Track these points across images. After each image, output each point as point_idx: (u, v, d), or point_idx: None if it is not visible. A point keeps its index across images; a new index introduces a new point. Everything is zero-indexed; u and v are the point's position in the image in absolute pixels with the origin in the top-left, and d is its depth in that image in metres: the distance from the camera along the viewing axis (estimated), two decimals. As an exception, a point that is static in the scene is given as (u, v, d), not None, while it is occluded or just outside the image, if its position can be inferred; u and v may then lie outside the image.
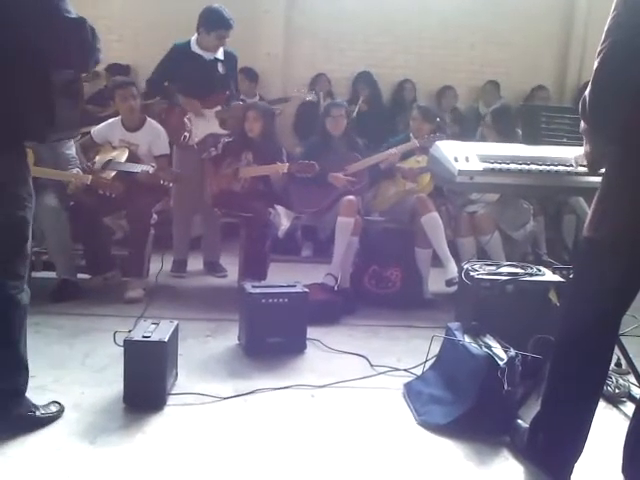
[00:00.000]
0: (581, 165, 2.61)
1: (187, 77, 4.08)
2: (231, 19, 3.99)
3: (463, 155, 2.79)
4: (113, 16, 6.02)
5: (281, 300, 2.99)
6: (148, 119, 4.07)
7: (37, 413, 2.19)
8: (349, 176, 3.92)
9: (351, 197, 3.77)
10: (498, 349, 2.42)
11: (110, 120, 4.11)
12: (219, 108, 4.19)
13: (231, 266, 4.28)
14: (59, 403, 2.30)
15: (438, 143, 2.99)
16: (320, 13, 6.25)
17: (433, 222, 3.75)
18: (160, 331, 2.47)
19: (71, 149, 3.83)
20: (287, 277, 3.43)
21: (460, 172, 2.70)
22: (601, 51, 1.73)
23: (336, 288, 3.75)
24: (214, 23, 3.99)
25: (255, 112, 3.99)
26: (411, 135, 4.14)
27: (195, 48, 4.09)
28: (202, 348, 3.02)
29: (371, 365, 2.88)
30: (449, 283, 3.69)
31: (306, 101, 5.84)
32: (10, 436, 2.09)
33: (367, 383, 2.71)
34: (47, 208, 3.52)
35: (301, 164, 3.79)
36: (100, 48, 2.07)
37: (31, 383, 2.20)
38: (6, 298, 2.07)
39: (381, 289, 3.89)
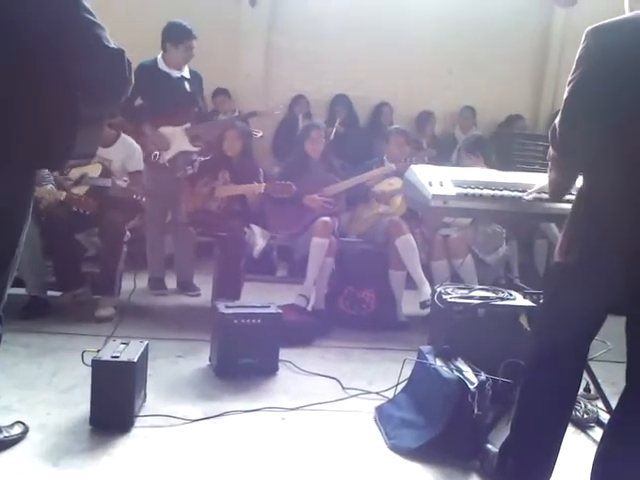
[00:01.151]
0: (538, 192, 2.64)
1: (155, 95, 4.07)
2: (193, 29, 4.05)
3: (437, 180, 2.82)
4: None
5: (254, 321, 2.97)
6: (122, 135, 4.04)
7: (0, 436, 2.14)
8: (326, 198, 3.94)
9: (326, 218, 3.78)
10: (469, 373, 2.43)
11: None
12: (188, 125, 4.20)
13: (205, 285, 4.25)
14: (23, 424, 2.24)
15: (413, 167, 3.03)
16: (300, 35, 6.30)
17: (407, 245, 3.78)
18: (129, 351, 2.43)
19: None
20: (262, 297, 3.42)
21: (434, 196, 2.73)
22: (571, 80, 1.78)
23: (309, 309, 3.75)
24: (180, 35, 4.04)
25: (235, 132, 4.00)
26: (385, 158, 4.18)
27: (162, 66, 4.11)
28: (172, 369, 2.98)
29: (343, 388, 2.87)
30: (423, 305, 3.71)
31: (284, 121, 5.94)
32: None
33: (339, 406, 2.69)
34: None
35: (278, 185, 3.80)
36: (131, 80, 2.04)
37: (-5, 403, 2.16)
38: None
39: (356, 311, 3.89)
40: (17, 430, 2.21)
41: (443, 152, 5.67)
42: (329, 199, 3.95)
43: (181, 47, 4.05)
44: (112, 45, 1.97)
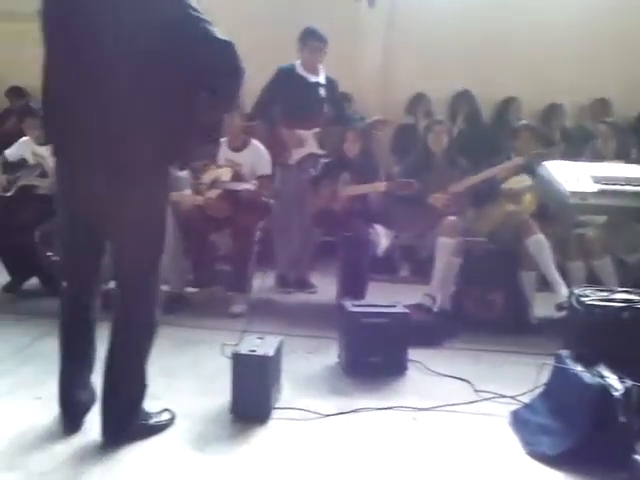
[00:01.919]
0: None
1: (290, 98, 4.22)
2: (320, 33, 4.18)
3: (574, 176, 2.70)
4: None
5: (382, 320, 2.99)
6: (252, 140, 4.20)
7: (150, 421, 2.30)
8: (450, 196, 3.88)
9: (453, 217, 3.72)
10: (613, 379, 2.30)
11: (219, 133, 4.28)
12: (318, 130, 4.29)
13: (325, 284, 4.34)
14: (170, 411, 2.40)
15: (546, 163, 2.91)
16: (420, 32, 6.22)
17: (539, 244, 3.63)
18: (265, 345, 2.53)
19: (183, 171, 4.02)
20: (384, 297, 3.42)
21: (572, 193, 2.61)
22: None
23: (434, 309, 3.71)
24: (304, 37, 4.21)
25: (354, 133, 4.05)
26: (513, 154, 4.04)
27: (299, 70, 4.24)
28: (303, 365, 3.06)
29: (475, 390, 2.81)
30: (559, 308, 3.54)
31: (404, 122, 5.92)
32: (129, 443, 2.20)
33: (471, 408, 2.64)
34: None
35: (399, 182, 3.79)
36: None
37: (145, 390, 2.31)
38: (140, 318, 2.20)
39: (483, 312, 3.79)
40: (165, 417, 2.37)
41: (576, 147, 5.38)
42: (453, 197, 3.89)
43: (305, 49, 4.19)
44: (221, 37, 2.07)
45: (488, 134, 5.82)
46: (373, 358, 2.96)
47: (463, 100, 5.96)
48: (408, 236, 4.09)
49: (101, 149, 2.04)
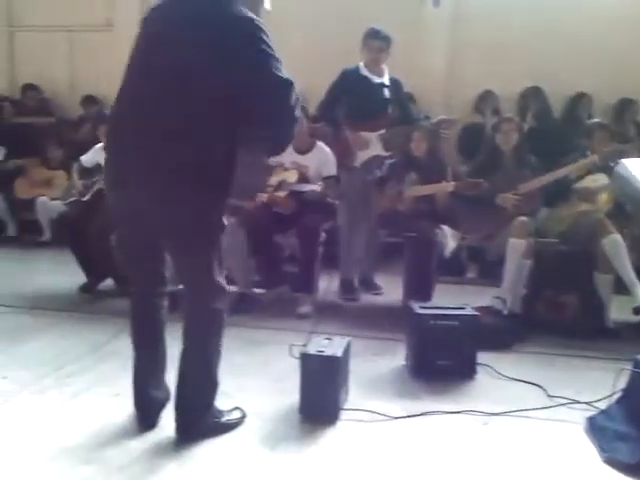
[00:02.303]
0: None
1: (354, 100, 4.21)
2: (383, 33, 4.13)
3: (654, 173, 2.58)
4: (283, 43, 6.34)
5: (450, 322, 2.94)
6: (318, 143, 4.23)
7: (222, 419, 2.34)
8: (521, 196, 3.78)
9: (523, 218, 3.62)
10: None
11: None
12: (383, 131, 4.27)
13: (391, 286, 4.31)
14: (241, 409, 2.45)
15: (625, 161, 2.79)
16: (486, 28, 6.10)
17: (616, 245, 3.48)
18: (333, 346, 2.54)
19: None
20: (451, 299, 3.37)
21: (653, 191, 2.49)
22: None
23: (505, 312, 3.62)
24: (368, 37, 4.18)
25: (421, 132, 4.01)
26: (588, 153, 3.91)
27: (364, 71, 4.22)
28: (369, 366, 3.04)
29: (548, 395, 2.73)
30: (636, 311, 3.40)
31: (470, 121, 5.81)
32: (201, 440, 2.25)
33: (544, 414, 2.57)
34: (228, 226, 3.77)
35: (468, 182, 3.73)
36: (300, 117, 2.12)
37: (216, 389, 2.36)
38: (207, 319, 2.24)
39: (555, 315, 3.67)
40: (236, 415, 2.41)
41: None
42: (524, 197, 3.79)
43: (365, 48, 4.18)
44: (283, 76, 2.05)
45: (559, 131, 5.65)
46: (441, 361, 2.91)
47: (532, 97, 5.81)
48: (475, 237, 4.00)
49: (147, 158, 2.07)
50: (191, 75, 2.04)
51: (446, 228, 3.94)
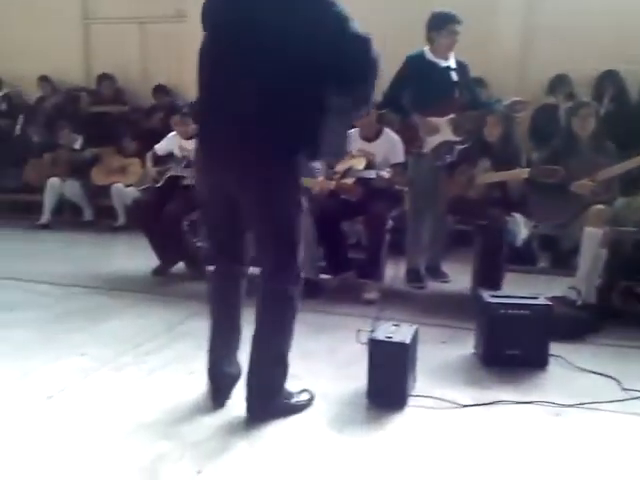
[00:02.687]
0: None
1: (421, 85, 4.15)
2: (460, 17, 4.04)
3: None
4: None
5: (522, 311, 2.88)
6: (385, 129, 4.20)
7: (292, 400, 2.39)
8: (598, 183, 3.64)
9: (600, 206, 3.50)
10: None
11: (349, 131, 4.33)
12: (453, 116, 4.20)
13: (458, 274, 4.27)
14: (310, 392, 2.49)
15: None
16: (561, 10, 5.89)
17: (699, 235, 3.33)
18: (401, 333, 2.54)
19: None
20: (522, 288, 3.30)
21: None
22: None
23: (579, 303, 3.51)
24: (442, 21, 4.07)
25: (494, 117, 3.92)
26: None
27: (429, 56, 4.15)
28: (437, 354, 3.02)
29: (622, 388, 2.64)
30: None
31: (543, 105, 5.64)
32: (271, 420, 2.30)
33: (618, 407, 2.49)
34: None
35: (544, 169, 3.61)
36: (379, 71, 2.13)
37: (286, 371, 2.40)
38: (281, 301, 2.29)
39: (632, 306, 3.54)
40: (305, 397, 2.46)
41: None
42: (602, 184, 3.65)
43: (444, 32, 4.08)
44: (359, 33, 2.07)
45: (636, 116, 5.41)
46: (512, 351, 2.86)
47: (609, 80, 5.57)
48: (549, 225, 3.89)
49: (236, 138, 2.14)
50: (271, 49, 2.07)
51: (518, 216, 3.85)
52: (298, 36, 2.06)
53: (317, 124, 2.13)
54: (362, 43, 2.09)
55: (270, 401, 2.32)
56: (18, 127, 6.87)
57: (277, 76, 2.09)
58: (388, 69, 4.25)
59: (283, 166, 2.19)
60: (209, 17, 2.25)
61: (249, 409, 2.32)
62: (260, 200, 2.21)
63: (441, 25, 4.07)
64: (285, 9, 2.07)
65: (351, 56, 2.09)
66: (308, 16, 2.06)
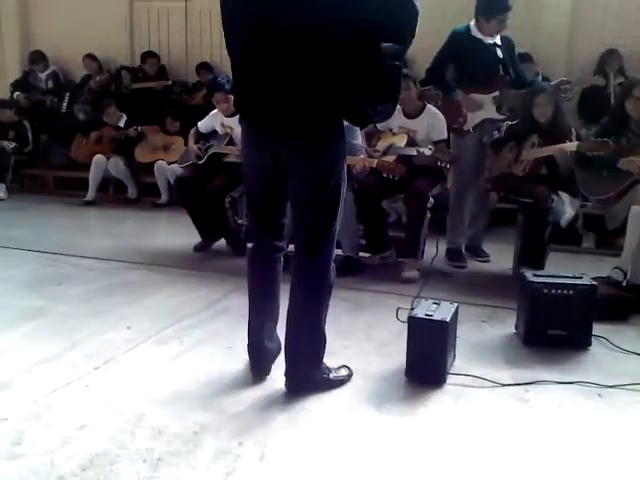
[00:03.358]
0: None
1: (466, 61, 4.07)
2: (510, 3, 3.90)
3: None
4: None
5: (565, 291, 2.83)
6: (427, 106, 4.14)
7: (330, 375, 2.41)
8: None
9: (649, 184, 3.39)
10: None
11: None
12: (497, 93, 4.11)
13: (499, 253, 4.23)
14: (348, 368, 2.50)
15: None
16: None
17: None
18: (441, 311, 2.52)
19: (357, 138, 4.06)
20: (565, 268, 3.23)
21: None
22: None
23: (624, 284, 3.43)
24: (493, 9, 3.94)
25: (545, 96, 3.81)
26: None
27: (475, 32, 4.05)
28: (477, 333, 3.01)
29: (668, 371, 2.59)
30: None
31: (592, 80, 5.47)
32: (310, 394, 2.33)
33: (663, 389, 2.44)
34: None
35: (593, 142, 3.52)
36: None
37: (325, 347, 2.42)
38: (317, 276, 2.30)
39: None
40: (343, 373, 2.47)
41: None
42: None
43: (493, 22, 3.97)
44: None
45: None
46: (554, 331, 2.82)
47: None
48: (594, 204, 3.79)
49: (279, 107, 2.14)
50: (318, 16, 2.03)
51: (564, 195, 3.76)
52: (340, 1, 2.02)
53: (375, 73, 2.07)
54: None
55: (309, 372, 2.34)
56: (64, 105, 7.03)
57: (323, 46, 2.03)
58: (437, 44, 4.20)
59: (329, 134, 2.19)
60: None
61: (288, 382, 2.35)
62: (298, 171, 2.21)
63: (490, 15, 3.94)
64: None
65: (396, 6, 2.03)
66: None
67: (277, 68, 2.10)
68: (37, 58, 7.23)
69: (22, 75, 7.38)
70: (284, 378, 2.36)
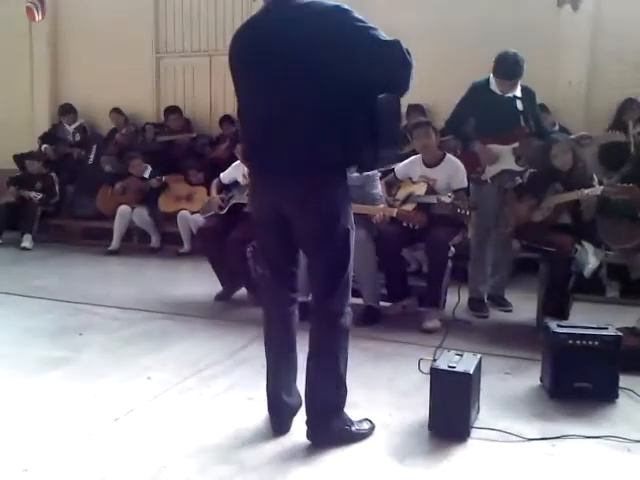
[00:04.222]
0: None
1: (486, 114, 4.12)
2: (519, 67, 3.95)
3: None
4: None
5: (591, 342, 2.78)
6: (447, 155, 4.18)
7: (352, 428, 2.37)
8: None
9: (674, 233, 3.36)
10: None
11: (412, 157, 4.32)
12: (516, 144, 4.14)
13: (522, 302, 4.18)
14: (370, 421, 2.46)
15: None
16: (629, 35, 5.76)
17: None
18: (464, 362, 2.49)
19: (377, 188, 4.11)
20: (589, 318, 3.19)
21: None
22: None
23: (651, 334, 3.35)
24: (502, 73, 4.01)
25: (560, 147, 3.83)
26: None
27: (493, 85, 4.11)
28: (502, 385, 2.95)
29: (700, 425, 2.51)
30: None
31: (613, 129, 5.47)
32: (329, 448, 2.30)
33: (694, 444, 2.36)
34: (358, 240, 3.82)
35: (619, 186, 3.49)
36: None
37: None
38: (333, 322, 2.30)
39: None
40: (366, 426, 2.43)
41: None
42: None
43: (507, 83, 4.04)
44: (388, 38, 2.10)
45: None
46: (580, 383, 2.76)
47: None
48: (618, 252, 3.75)
49: (282, 156, 2.21)
50: (313, 80, 2.13)
51: (587, 245, 3.72)
52: (337, 63, 2.10)
53: (368, 131, 2.17)
54: (395, 45, 2.10)
55: (330, 422, 2.31)
56: (91, 157, 7.22)
57: (319, 92, 2.13)
58: (457, 95, 4.26)
59: (332, 182, 2.24)
60: (240, 54, 2.35)
61: (309, 434, 2.33)
62: (306, 221, 2.25)
63: (503, 77, 4.01)
64: (318, 30, 2.11)
65: (388, 58, 2.09)
66: (339, 34, 2.09)
67: (280, 123, 2.19)
68: (67, 110, 7.49)
69: (50, 128, 7.63)
70: (305, 428, 2.33)
